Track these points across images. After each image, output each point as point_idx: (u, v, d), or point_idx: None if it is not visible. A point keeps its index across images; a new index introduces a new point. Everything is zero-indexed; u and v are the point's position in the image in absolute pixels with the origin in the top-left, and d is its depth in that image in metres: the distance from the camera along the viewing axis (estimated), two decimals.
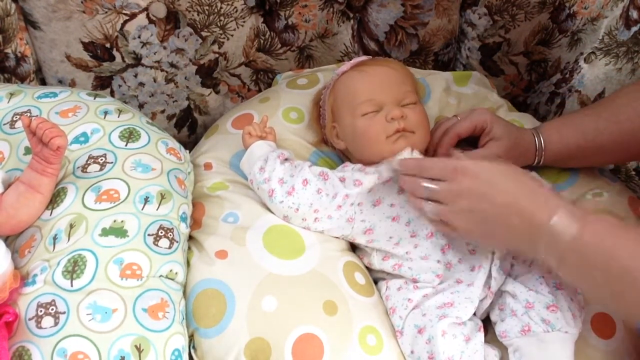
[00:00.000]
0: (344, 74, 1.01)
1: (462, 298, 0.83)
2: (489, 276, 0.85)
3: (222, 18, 1.14)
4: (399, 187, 0.92)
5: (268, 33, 1.20)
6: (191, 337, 0.83)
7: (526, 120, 1.15)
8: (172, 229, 0.87)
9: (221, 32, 1.16)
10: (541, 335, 0.78)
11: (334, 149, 1.05)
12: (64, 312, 0.75)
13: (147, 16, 1.11)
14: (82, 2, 1.05)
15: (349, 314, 0.84)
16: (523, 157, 0.96)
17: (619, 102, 0.92)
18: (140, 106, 1.22)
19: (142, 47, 1.14)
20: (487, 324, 0.86)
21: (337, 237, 0.94)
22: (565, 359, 0.78)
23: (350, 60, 1.05)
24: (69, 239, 0.81)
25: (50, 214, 0.84)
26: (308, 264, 0.88)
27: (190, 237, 0.93)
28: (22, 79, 1.11)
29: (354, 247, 0.98)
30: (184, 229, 0.90)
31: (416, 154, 0.93)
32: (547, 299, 0.80)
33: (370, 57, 1.08)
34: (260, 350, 0.80)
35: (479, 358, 0.79)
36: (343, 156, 1.05)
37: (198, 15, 1.13)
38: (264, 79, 1.26)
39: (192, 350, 0.83)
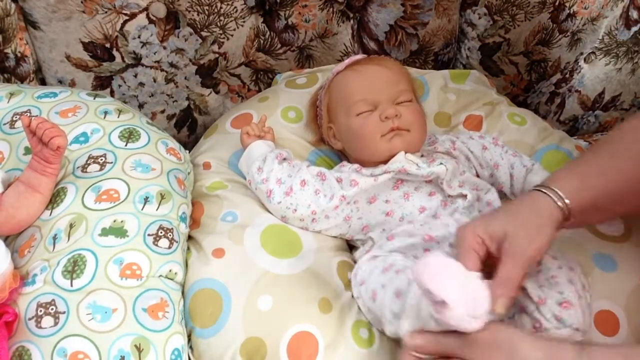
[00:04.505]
0: (339, 73, 1.01)
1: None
2: None
3: (222, 18, 1.14)
4: (394, 184, 0.92)
5: (268, 33, 1.20)
6: (188, 337, 0.83)
7: (526, 116, 1.15)
8: (172, 229, 0.87)
9: (221, 32, 1.16)
10: (552, 332, 0.76)
11: (332, 148, 1.05)
12: (64, 312, 0.75)
13: (147, 16, 1.11)
14: (82, 2, 1.05)
15: (342, 311, 0.85)
16: (545, 227, 0.75)
17: (629, 140, 0.79)
18: (140, 106, 1.22)
19: (142, 47, 1.14)
20: None
21: (334, 237, 0.94)
22: None
23: None
24: (68, 239, 0.81)
25: (50, 214, 0.84)
26: (304, 262, 0.88)
27: (189, 237, 0.93)
28: (21, 79, 1.11)
29: (350, 247, 0.98)
30: (183, 229, 0.90)
31: (410, 157, 0.93)
32: (559, 295, 0.78)
33: (366, 55, 1.08)
34: (256, 349, 0.80)
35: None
36: (342, 155, 1.05)
37: (198, 15, 1.13)
38: (263, 79, 1.26)
39: (188, 350, 0.83)
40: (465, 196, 0.91)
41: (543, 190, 0.76)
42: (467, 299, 0.67)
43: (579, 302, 0.78)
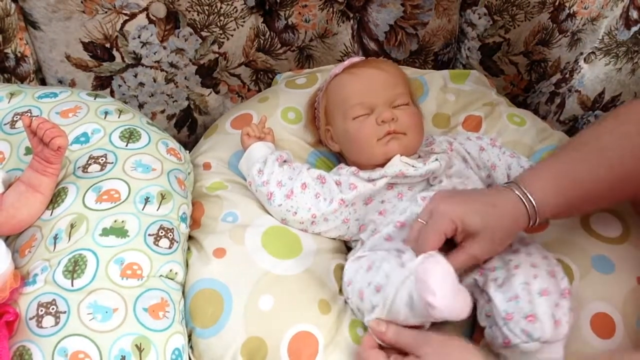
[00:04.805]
0: (336, 76, 1.02)
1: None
2: None
3: (222, 18, 1.14)
4: (388, 184, 0.93)
5: (268, 33, 1.20)
6: (188, 337, 0.83)
7: (526, 116, 1.15)
8: (172, 229, 0.87)
9: (221, 32, 1.16)
10: (522, 347, 0.76)
11: (330, 150, 1.05)
12: (65, 312, 0.76)
13: (147, 16, 1.11)
14: (82, 2, 1.05)
15: (340, 312, 0.85)
16: (513, 229, 0.80)
17: (605, 143, 0.81)
18: (140, 106, 1.22)
19: (142, 47, 1.14)
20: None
21: (333, 238, 0.95)
22: None
23: None
24: (69, 239, 0.82)
25: (51, 214, 0.85)
26: (304, 264, 0.89)
27: (190, 237, 0.93)
28: (22, 79, 1.11)
29: (348, 249, 0.98)
30: (183, 229, 0.90)
31: (405, 160, 0.93)
32: (527, 308, 0.77)
33: (363, 58, 1.08)
34: (256, 349, 0.80)
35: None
36: (340, 157, 1.05)
37: (198, 15, 1.13)
38: (263, 79, 1.26)
39: (189, 350, 0.83)
40: (441, 182, 0.92)
41: (517, 192, 0.79)
42: (454, 297, 0.73)
43: (551, 313, 0.77)
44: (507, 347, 0.77)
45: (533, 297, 0.78)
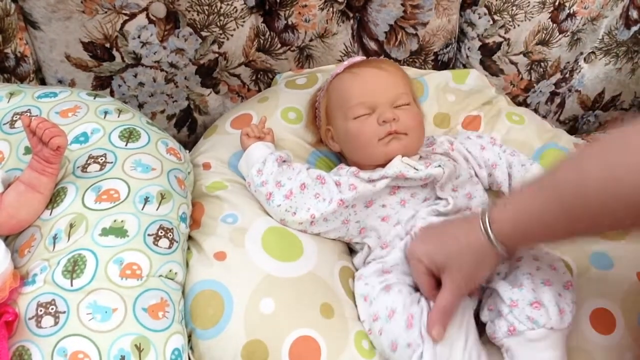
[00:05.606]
0: (337, 75, 1.01)
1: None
2: None
3: (221, 18, 1.14)
4: (390, 189, 0.92)
5: (268, 33, 1.20)
6: (188, 338, 0.83)
7: (525, 115, 1.15)
8: (172, 229, 0.87)
9: (221, 32, 1.16)
10: (527, 334, 0.77)
11: (331, 149, 1.04)
12: (64, 312, 0.75)
13: (147, 16, 1.11)
14: (81, 2, 1.05)
15: (345, 318, 0.85)
16: (479, 261, 0.78)
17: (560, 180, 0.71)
18: (140, 106, 1.22)
19: (141, 47, 1.14)
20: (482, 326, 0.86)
21: (333, 239, 0.94)
22: (555, 355, 0.77)
23: None
24: (68, 239, 0.81)
25: (50, 214, 0.84)
26: (306, 266, 0.88)
27: (189, 237, 0.93)
28: (21, 79, 1.11)
29: (350, 250, 0.97)
30: (183, 229, 0.90)
31: (407, 161, 0.93)
32: (531, 295, 0.78)
33: (364, 57, 1.08)
34: (257, 352, 0.80)
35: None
36: (341, 157, 1.05)
37: (198, 15, 1.13)
38: (263, 78, 1.26)
39: (189, 351, 0.82)
40: (447, 202, 0.90)
41: (480, 224, 0.75)
42: None
43: (554, 301, 0.78)
44: (512, 335, 0.77)
45: (537, 286, 0.79)
